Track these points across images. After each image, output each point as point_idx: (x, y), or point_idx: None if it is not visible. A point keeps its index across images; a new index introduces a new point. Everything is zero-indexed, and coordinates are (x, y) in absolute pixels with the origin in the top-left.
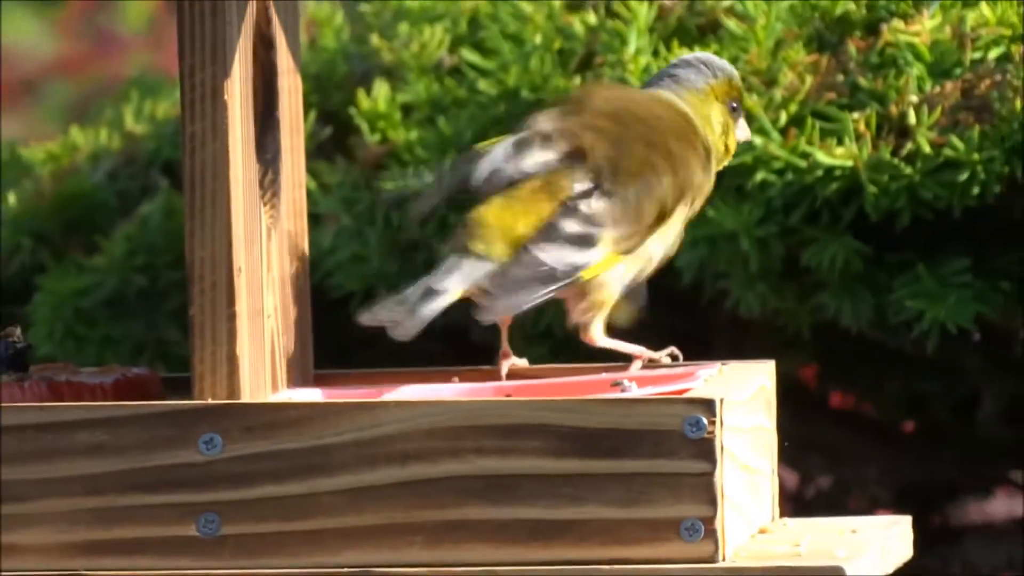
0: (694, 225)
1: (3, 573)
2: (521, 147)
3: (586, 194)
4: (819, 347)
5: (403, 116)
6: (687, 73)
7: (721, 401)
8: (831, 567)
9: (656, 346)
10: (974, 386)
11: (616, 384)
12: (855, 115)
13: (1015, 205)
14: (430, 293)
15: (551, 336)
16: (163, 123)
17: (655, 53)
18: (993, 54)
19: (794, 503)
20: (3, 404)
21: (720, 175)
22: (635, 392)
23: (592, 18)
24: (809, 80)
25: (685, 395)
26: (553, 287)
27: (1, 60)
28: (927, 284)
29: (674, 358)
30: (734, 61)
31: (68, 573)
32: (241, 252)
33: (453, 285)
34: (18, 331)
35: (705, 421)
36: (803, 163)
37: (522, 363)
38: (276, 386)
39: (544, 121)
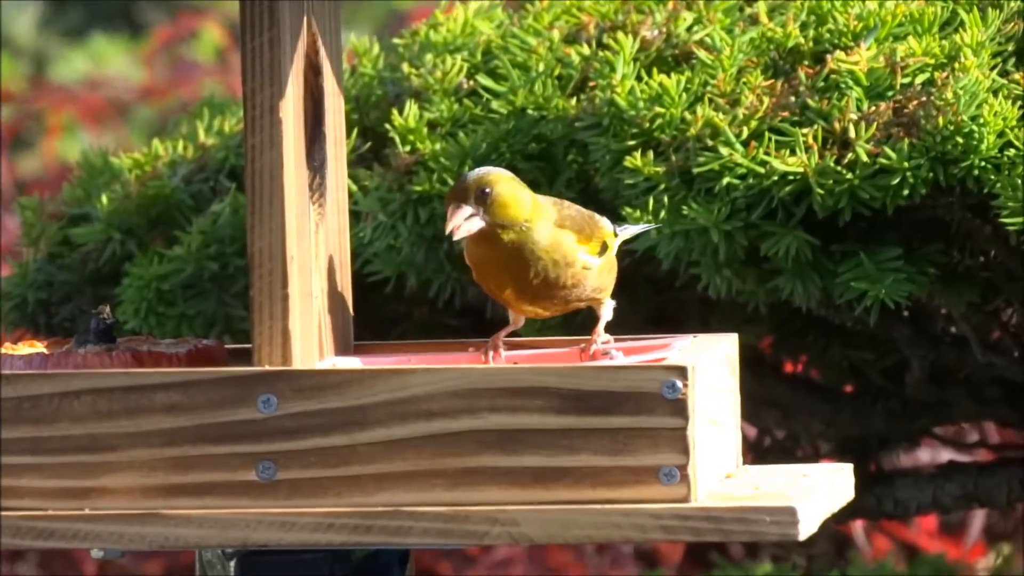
0: (671, 221)
1: (96, 511)
2: None
3: None
4: (774, 322)
5: (429, 131)
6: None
7: (693, 368)
8: (786, 507)
9: (641, 320)
10: (902, 354)
11: (605, 353)
12: (805, 130)
13: (937, 205)
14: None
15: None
16: (230, 136)
17: (638, 78)
18: (919, 79)
19: (753, 452)
20: (95, 370)
21: (693, 179)
22: (621, 360)
23: (586, 49)
24: (767, 101)
25: (663, 363)
26: None
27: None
28: (868, 268)
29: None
30: (704, 85)
31: (148, 511)
32: (294, 243)
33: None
34: (107, 309)
35: (680, 384)
36: (762, 170)
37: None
38: (322, 355)
39: None
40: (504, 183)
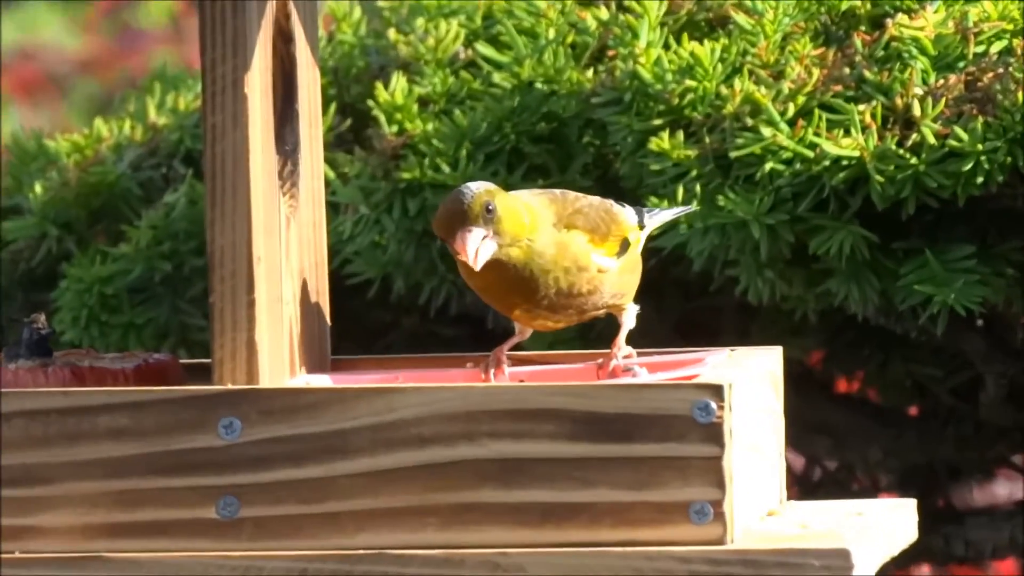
0: (705, 214)
1: (29, 554)
2: None
3: None
4: (825, 333)
5: (420, 108)
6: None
7: (730, 386)
8: (838, 549)
9: (668, 331)
10: (975, 371)
11: (627, 369)
12: (861, 107)
13: (1017, 194)
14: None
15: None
16: (185, 115)
17: (666, 46)
18: (995, 48)
19: (800, 485)
20: (28, 389)
21: (730, 164)
22: (645, 377)
23: (604, 13)
24: (816, 73)
25: (694, 380)
26: None
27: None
28: (934, 269)
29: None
30: (743, 55)
31: (90, 555)
32: (260, 241)
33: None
34: (42, 318)
35: (714, 406)
36: (811, 153)
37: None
38: (294, 371)
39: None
40: (501, 195)
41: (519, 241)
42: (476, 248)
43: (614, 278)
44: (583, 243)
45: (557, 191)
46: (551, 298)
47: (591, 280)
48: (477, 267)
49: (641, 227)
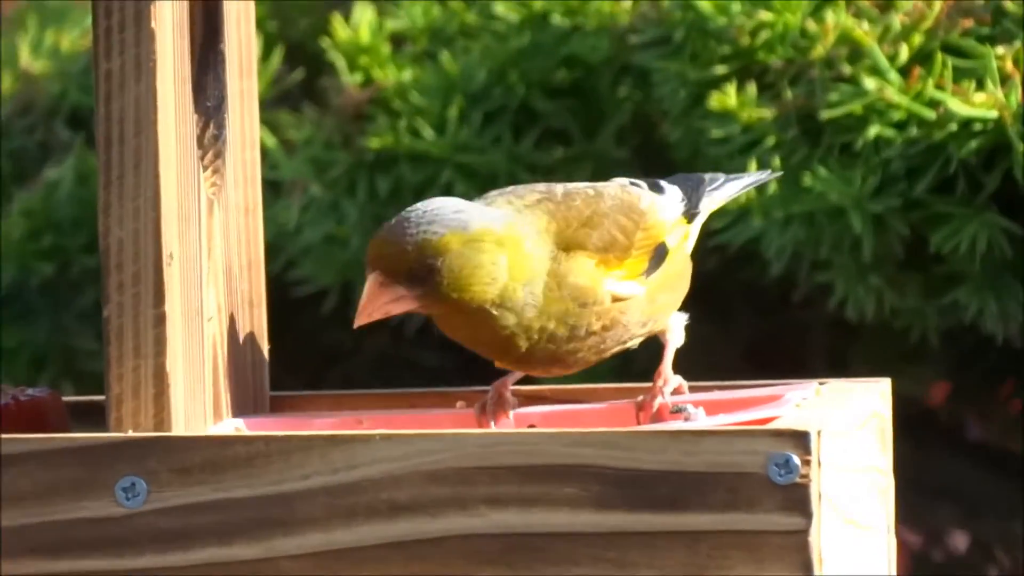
0: (786, 198)
1: None
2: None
3: None
4: (950, 360)
5: (393, 50)
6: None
7: (819, 434)
8: None
9: (735, 357)
10: None
11: (677, 410)
12: (1000, 50)
13: None
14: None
15: None
16: (69, 59)
17: None
18: None
19: (918, 568)
20: None
21: (820, 129)
22: (702, 421)
23: None
24: (938, 4)
25: (770, 425)
26: None
27: None
28: None
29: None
30: None
31: None
32: (173, 233)
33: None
34: None
35: (797, 461)
36: (931, 114)
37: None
38: (219, 413)
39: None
40: (459, 245)
41: (467, 305)
42: (372, 309)
43: (641, 305)
44: (589, 269)
45: (558, 189)
46: (545, 349)
47: (603, 315)
48: (354, 325)
49: (689, 219)
